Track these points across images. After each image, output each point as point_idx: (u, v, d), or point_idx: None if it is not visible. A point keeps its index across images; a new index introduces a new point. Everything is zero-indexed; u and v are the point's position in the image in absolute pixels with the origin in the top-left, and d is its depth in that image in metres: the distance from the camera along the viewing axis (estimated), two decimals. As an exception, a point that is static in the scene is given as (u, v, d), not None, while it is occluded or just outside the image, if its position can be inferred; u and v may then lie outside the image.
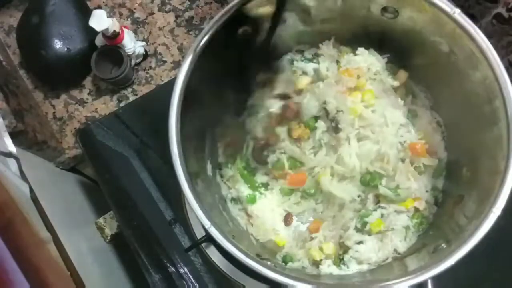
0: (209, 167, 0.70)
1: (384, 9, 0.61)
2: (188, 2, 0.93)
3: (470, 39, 0.53)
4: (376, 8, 0.61)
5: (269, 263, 0.55)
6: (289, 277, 0.51)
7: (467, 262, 0.49)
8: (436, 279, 0.50)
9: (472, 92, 0.57)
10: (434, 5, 0.55)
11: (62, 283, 0.61)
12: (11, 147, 0.68)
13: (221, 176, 0.73)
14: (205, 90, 0.60)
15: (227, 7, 0.58)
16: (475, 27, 0.53)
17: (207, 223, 0.53)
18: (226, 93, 0.65)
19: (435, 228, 0.64)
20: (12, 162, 0.67)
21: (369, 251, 0.64)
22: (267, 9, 0.60)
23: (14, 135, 0.73)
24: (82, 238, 0.83)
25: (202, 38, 0.57)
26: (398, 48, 0.68)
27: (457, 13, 0.54)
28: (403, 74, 0.70)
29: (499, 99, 0.52)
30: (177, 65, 0.90)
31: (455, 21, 0.54)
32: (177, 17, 0.92)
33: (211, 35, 0.57)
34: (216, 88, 0.61)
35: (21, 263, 0.51)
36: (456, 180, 0.64)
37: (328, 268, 0.65)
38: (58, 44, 0.85)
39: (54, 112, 0.91)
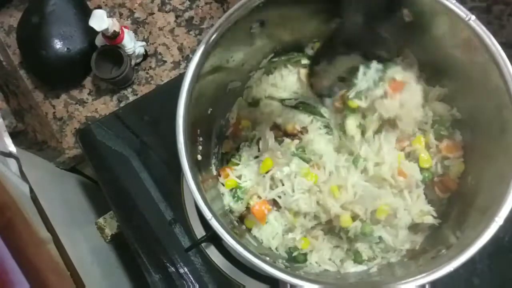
0: (213, 161, 0.69)
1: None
2: (188, 2, 0.93)
3: (484, 48, 0.52)
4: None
5: (267, 258, 0.54)
6: (296, 276, 0.51)
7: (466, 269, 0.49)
8: (433, 284, 0.50)
9: (482, 101, 0.57)
10: (449, 10, 0.53)
11: (62, 283, 0.61)
12: (11, 147, 0.68)
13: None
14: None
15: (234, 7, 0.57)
16: (490, 35, 0.52)
17: (208, 215, 0.52)
18: None
19: (436, 234, 0.63)
20: (12, 162, 0.67)
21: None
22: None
23: (14, 135, 0.73)
24: (82, 238, 0.83)
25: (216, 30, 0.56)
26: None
27: (472, 20, 0.52)
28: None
29: (508, 110, 0.51)
30: (177, 65, 0.90)
31: (470, 28, 0.52)
32: (177, 17, 0.92)
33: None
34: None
35: (21, 263, 0.51)
36: (461, 188, 0.63)
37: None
38: (58, 44, 0.85)
39: (54, 112, 0.91)
